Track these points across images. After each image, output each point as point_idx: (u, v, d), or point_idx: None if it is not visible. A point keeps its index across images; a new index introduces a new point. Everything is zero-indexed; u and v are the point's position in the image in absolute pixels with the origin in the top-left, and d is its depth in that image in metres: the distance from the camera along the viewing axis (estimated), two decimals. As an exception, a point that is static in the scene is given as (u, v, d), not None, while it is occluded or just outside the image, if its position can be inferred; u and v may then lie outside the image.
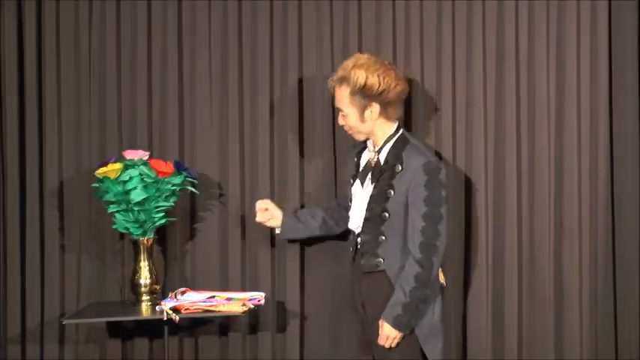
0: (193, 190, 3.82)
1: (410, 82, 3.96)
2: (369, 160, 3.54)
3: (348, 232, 3.69)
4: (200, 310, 3.49)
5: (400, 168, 3.41)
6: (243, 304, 3.49)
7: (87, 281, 4.02)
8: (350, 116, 3.49)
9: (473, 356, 3.97)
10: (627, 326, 3.95)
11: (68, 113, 4.02)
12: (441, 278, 3.56)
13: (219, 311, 3.51)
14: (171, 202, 3.74)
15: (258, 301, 3.56)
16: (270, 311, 3.98)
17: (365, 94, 3.43)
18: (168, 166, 3.71)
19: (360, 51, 3.96)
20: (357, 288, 3.59)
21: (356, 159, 3.63)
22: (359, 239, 3.54)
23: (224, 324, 4.01)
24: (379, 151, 3.50)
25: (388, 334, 3.39)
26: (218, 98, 4.01)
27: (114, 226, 3.75)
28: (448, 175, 3.69)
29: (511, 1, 3.96)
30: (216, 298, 3.55)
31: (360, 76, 3.42)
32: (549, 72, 3.95)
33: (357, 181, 3.56)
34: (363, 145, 3.62)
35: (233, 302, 3.51)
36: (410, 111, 3.97)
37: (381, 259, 3.46)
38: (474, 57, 3.96)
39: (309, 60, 3.98)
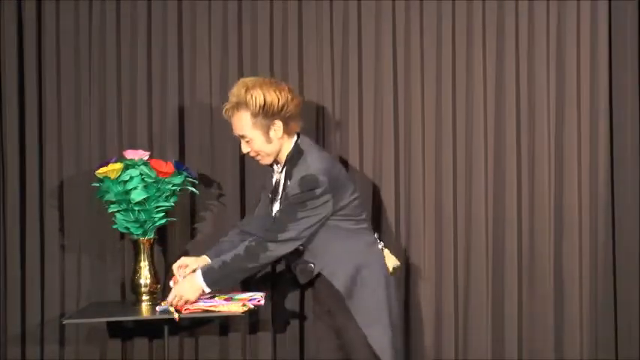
0: (193, 190, 3.82)
1: (409, 81, 3.99)
2: (276, 180, 3.48)
3: None
4: (200, 310, 3.49)
5: (289, 183, 3.36)
6: (243, 304, 3.49)
7: (87, 281, 4.02)
8: (255, 140, 3.38)
9: (473, 356, 3.96)
10: (627, 326, 3.95)
11: (68, 113, 4.02)
12: (390, 263, 3.48)
13: (219, 311, 3.50)
14: (171, 202, 3.73)
15: (258, 301, 3.56)
16: (270, 311, 3.98)
17: (267, 114, 3.33)
18: (168, 166, 3.71)
19: (360, 51, 3.97)
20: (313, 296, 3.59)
21: (271, 177, 3.55)
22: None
23: (224, 324, 4.01)
24: (282, 170, 3.43)
25: (188, 285, 3.38)
26: (218, 98, 4.00)
27: (114, 226, 3.75)
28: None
29: (511, 1, 3.96)
30: (216, 298, 3.54)
31: (258, 96, 3.32)
32: (549, 72, 3.95)
33: (275, 201, 3.48)
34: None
35: (233, 302, 3.51)
36: (410, 111, 3.98)
37: (312, 264, 3.40)
38: (474, 57, 3.96)
39: (309, 60, 3.98)
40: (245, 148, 3.43)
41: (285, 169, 3.42)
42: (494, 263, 3.97)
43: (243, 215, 3.96)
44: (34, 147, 4.02)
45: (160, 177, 3.67)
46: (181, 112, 4.03)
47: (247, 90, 3.34)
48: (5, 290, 4.02)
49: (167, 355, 3.77)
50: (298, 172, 3.34)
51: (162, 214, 3.72)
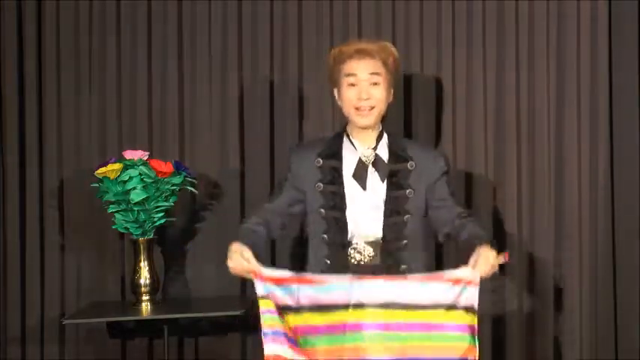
0: (193, 189, 3.82)
1: (410, 80, 3.99)
2: (361, 160, 3.10)
3: None
4: None
5: (413, 165, 3.08)
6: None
7: (87, 281, 4.02)
8: (382, 89, 3.07)
9: (473, 356, 3.97)
10: (627, 326, 3.95)
11: (68, 113, 4.03)
12: None
13: None
14: (170, 202, 3.74)
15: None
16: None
17: (394, 72, 3.12)
18: (168, 166, 3.71)
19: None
20: None
21: (322, 161, 3.10)
22: (375, 248, 3.08)
23: (224, 324, 4.01)
24: (375, 148, 3.11)
25: (489, 253, 2.89)
26: (218, 98, 4.01)
27: (114, 226, 3.75)
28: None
29: (511, 1, 3.96)
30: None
31: (395, 51, 3.14)
32: (549, 72, 3.95)
33: (353, 184, 3.08)
34: (321, 148, 3.14)
35: None
36: (410, 111, 3.98)
37: (406, 265, 3.05)
38: (473, 57, 3.96)
39: (309, 60, 3.98)
40: (365, 93, 3.05)
41: (388, 147, 3.12)
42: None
43: (243, 215, 3.95)
44: (34, 147, 4.02)
45: (160, 177, 3.68)
46: (181, 112, 4.03)
47: (388, 45, 3.15)
48: (5, 290, 4.02)
49: (167, 355, 3.78)
50: (429, 153, 3.16)
51: (162, 214, 3.72)
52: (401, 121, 3.96)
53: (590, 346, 3.95)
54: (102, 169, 3.65)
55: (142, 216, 3.68)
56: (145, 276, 3.77)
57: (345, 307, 2.88)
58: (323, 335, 2.90)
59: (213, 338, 4.02)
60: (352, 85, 3.07)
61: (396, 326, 2.87)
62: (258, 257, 2.94)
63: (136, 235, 3.74)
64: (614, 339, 3.96)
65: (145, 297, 3.76)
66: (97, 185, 3.72)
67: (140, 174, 3.64)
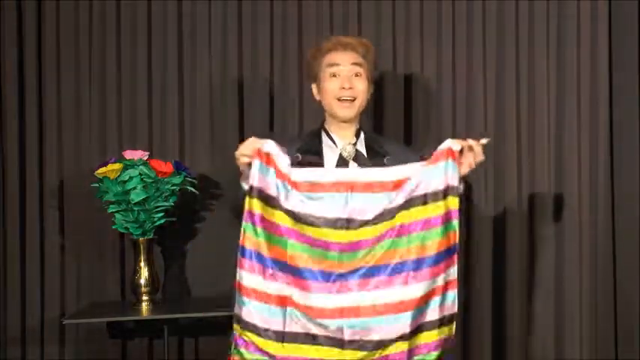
0: (193, 189, 3.82)
1: (410, 80, 3.99)
2: (341, 156, 3.09)
3: None
4: None
5: (390, 160, 3.08)
6: None
7: (87, 281, 4.02)
8: (362, 80, 3.10)
9: (473, 356, 3.96)
10: (627, 326, 3.95)
11: (68, 113, 4.02)
12: None
13: None
14: (170, 202, 3.73)
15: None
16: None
17: (373, 67, 3.14)
18: (168, 166, 3.71)
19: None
20: None
21: (301, 156, 3.06)
22: None
23: (224, 324, 4.01)
24: (354, 144, 3.11)
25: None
26: (218, 98, 4.01)
27: (114, 226, 3.75)
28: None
29: (511, 1, 3.96)
30: None
31: (373, 48, 3.17)
32: (549, 72, 3.95)
33: None
34: (299, 144, 3.13)
35: None
36: (410, 111, 3.98)
37: None
38: (473, 57, 3.96)
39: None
40: (348, 83, 3.07)
41: (365, 143, 3.12)
42: (494, 263, 3.97)
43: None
44: (34, 147, 4.02)
45: (160, 177, 3.68)
46: (181, 112, 4.03)
47: (367, 41, 3.18)
48: (5, 290, 4.02)
49: (167, 355, 3.78)
50: (404, 148, 3.22)
51: (162, 214, 3.72)
52: (401, 121, 3.97)
53: (590, 346, 3.95)
54: (102, 169, 3.65)
55: (142, 216, 3.68)
56: (144, 276, 3.77)
57: (337, 225, 2.84)
58: (308, 246, 2.84)
59: (213, 338, 4.02)
60: (334, 75, 3.09)
61: (400, 229, 2.84)
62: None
63: (136, 235, 3.74)
64: (614, 339, 3.96)
65: (145, 297, 3.76)
66: (97, 185, 3.72)
67: (140, 174, 3.64)
